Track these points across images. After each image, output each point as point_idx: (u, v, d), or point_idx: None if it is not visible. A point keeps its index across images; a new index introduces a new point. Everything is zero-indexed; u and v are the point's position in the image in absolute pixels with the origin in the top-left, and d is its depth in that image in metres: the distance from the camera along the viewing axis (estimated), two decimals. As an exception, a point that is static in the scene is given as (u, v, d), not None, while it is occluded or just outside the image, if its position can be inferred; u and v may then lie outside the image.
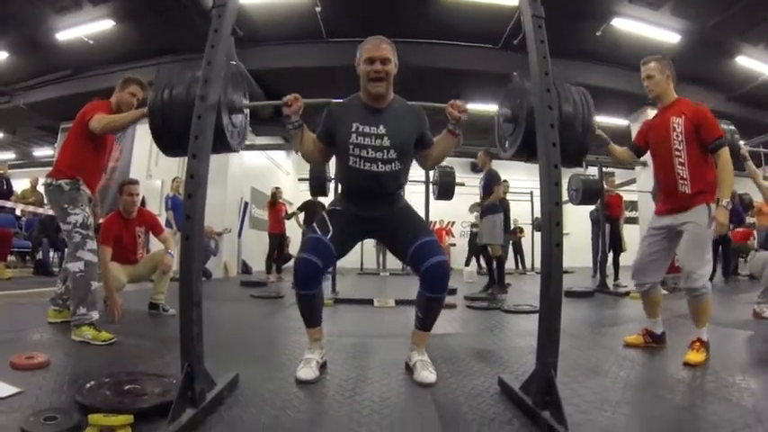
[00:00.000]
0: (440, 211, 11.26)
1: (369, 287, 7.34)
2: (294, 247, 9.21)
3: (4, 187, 7.77)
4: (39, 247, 7.75)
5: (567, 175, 3.17)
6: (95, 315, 2.80)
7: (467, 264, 9.68)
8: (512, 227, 9.63)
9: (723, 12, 6.74)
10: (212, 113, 1.78)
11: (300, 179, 10.87)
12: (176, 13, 6.65)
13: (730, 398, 1.91)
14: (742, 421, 1.63)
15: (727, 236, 6.33)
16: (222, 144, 2.08)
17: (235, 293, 6.29)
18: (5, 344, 2.54)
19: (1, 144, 13.74)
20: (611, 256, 7.07)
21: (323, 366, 2.25)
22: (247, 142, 2.48)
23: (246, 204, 10.50)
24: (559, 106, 1.98)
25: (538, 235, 6.19)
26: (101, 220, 4.03)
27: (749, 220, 8.17)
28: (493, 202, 5.80)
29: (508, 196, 7.29)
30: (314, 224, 2.26)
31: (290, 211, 8.98)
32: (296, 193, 12.59)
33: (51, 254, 7.82)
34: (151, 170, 9.06)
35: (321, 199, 7.46)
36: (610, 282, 6.54)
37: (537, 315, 1.78)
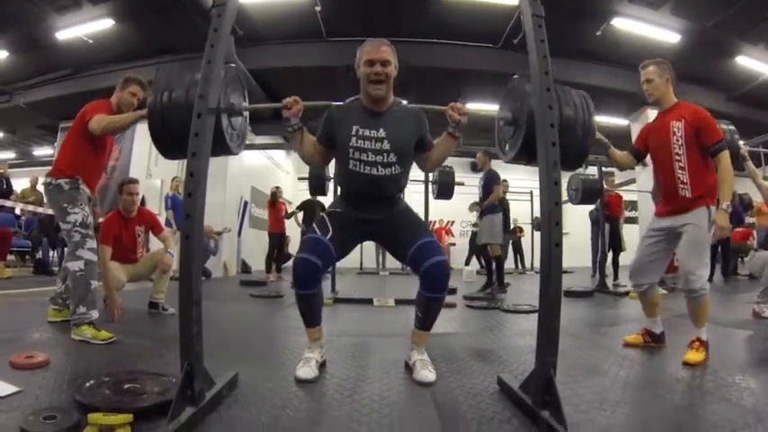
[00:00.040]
0: (439, 211, 11.25)
1: (368, 287, 7.35)
2: (294, 246, 9.20)
3: (4, 186, 7.77)
4: (38, 246, 7.76)
5: (566, 174, 3.17)
6: (95, 314, 2.80)
7: (467, 263, 9.68)
8: (511, 226, 9.64)
9: (723, 11, 6.74)
10: (212, 112, 1.78)
11: (300, 178, 10.87)
12: (176, 13, 6.64)
13: (730, 397, 1.91)
14: (741, 421, 1.63)
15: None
16: (222, 147, 2.08)
17: (234, 293, 6.29)
18: (5, 343, 2.54)
19: (1, 143, 13.73)
20: (610, 255, 7.07)
21: (322, 365, 2.25)
22: (247, 141, 2.48)
23: (246, 204, 10.50)
24: (560, 109, 1.98)
25: (537, 234, 6.19)
26: (100, 220, 4.03)
27: (749, 220, 8.17)
28: (492, 201, 5.81)
29: (508, 196, 7.29)
30: (313, 224, 2.25)
31: (289, 211, 8.99)
32: (295, 192, 12.59)
33: (51, 253, 7.81)
34: (151, 169, 9.06)
35: (320, 198, 7.48)
36: (609, 281, 6.54)
37: (536, 315, 1.78)
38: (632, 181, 10.33)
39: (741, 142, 3.47)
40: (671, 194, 2.64)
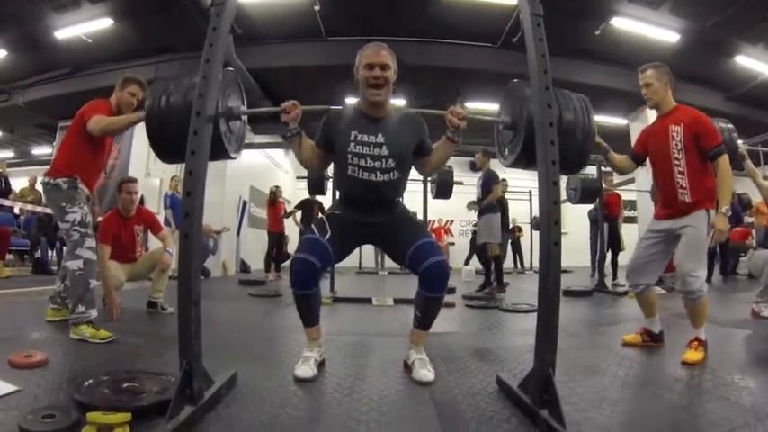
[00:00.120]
0: (438, 210, 11.24)
1: (367, 286, 7.35)
2: (293, 245, 9.21)
3: (3, 186, 7.76)
4: (37, 245, 7.75)
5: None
6: (94, 313, 2.80)
7: (466, 263, 9.69)
8: (510, 226, 9.64)
9: (722, 11, 6.75)
10: (210, 118, 1.77)
11: (299, 177, 10.86)
12: (175, 12, 6.64)
13: (728, 396, 1.91)
14: (740, 420, 1.64)
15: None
16: (220, 151, 2.07)
17: (233, 292, 6.29)
18: (4, 342, 2.54)
19: (-1, 142, 13.74)
20: (609, 255, 7.08)
21: (321, 364, 2.25)
22: (246, 141, 2.47)
23: (245, 203, 10.49)
24: (560, 113, 1.97)
25: (536, 234, 6.19)
26: (99, 219, 4.03)
27: (747, 219, 8.17)
28: (491, 201, 5.82)
29: (507, 195, 7.30)
30: (312, 226, 2.25)
31: (288, 210, 8.99)
32: (294, 191, 12.59)
33: (49, 253, 7.80)
34: (150, 168, 9.04)
35: (319, 197, 7.48)
36: (608, 281, 6.54)
37: (535, 314, 1.78)
38: (631, 181, 10.33)
39: (740, 142, 3.46)
40: (670, 199, 2.64)
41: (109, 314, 3.39)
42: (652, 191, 6.08)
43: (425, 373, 2.08)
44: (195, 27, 5.38)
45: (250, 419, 1.64)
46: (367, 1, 7.14)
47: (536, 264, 5.30)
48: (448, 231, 14.83)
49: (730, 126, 3.27)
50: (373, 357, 2.53)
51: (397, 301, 4.67)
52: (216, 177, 8.30)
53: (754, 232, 7.03)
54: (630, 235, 7.95)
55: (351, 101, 8.60)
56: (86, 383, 1.77)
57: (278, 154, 12.83)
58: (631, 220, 10.54)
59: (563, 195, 3.16)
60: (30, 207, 7.80)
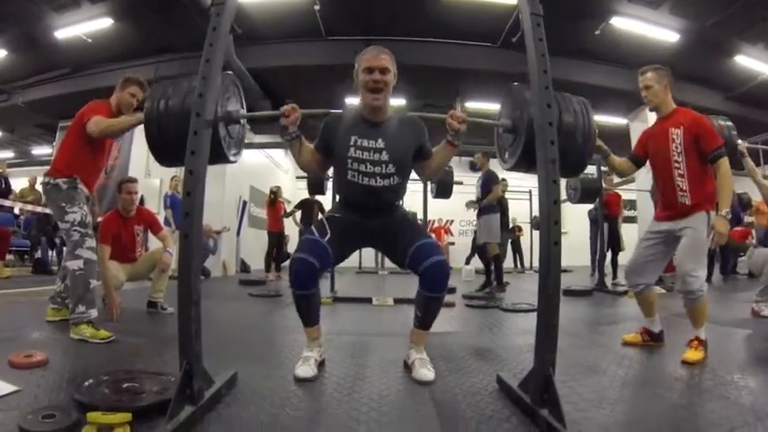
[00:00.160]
0: (438, 210, 11.24)
1: (367, 286, 7.35)
2: (293, 245, 9.21)
3: (3, 186, 7.76)
4: (37, 245, 7.75)
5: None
6: (94, 313, 2.80)
7: (467, 262, 9.68)
8: (510, 225, 9.63)
9: (722, 11, 6.75)
10: (210, 112, 1.77)
11: (299, 177, 10.86)
12: (175, 12, 6.64)
13: (728, 396, 1.91)
14: (740, 419, 1.64)
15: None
16: (219, 156, 2.06)
17: (233, 292, 6.29)
18: (4, 342, 2.54)
19: (-1, 142, 13.74)
20: (609, 254, 7.08)
21: (321, 364, 2.25)
22: (246, 141, 2.47)
23: (245, 203, 10.49)
24: (560, 116, 1.97)
25: (536, 234, 6.18)
26: (99, 219, 4.03)
27: (747, 219, 8.17)
28: (491, 201, 5.83)
29: (507, 195, 7.30)
30: (312, 227, 2.26)
31: (288, 210, 8.99)
32: (294, 191, 12.59)
33: (50, 253, 7.81)
34: (150, 168, 9.04)
35: (318, 197, 7.49)
36: (608, 280, 6.55)
37: (535, 313, 1.78)
38: (631, 180, 10.30)
39: (739, 141, 3.44)
40: (670, 201, 2.65)
41: (109, 314, 3.39)
42: (652, 191, 6.07)
43: (425, 372, 2.08)
44: (195, 27, 5.38)
45: (250, 419, 1.64)
46: (367, 1, 7.15)
47: (536, 263, 5.30)
48: (448, 231, 14.83)
49: (729, 124, 3.26)
50: (373, 357, 2.53)
51: (398, 301, 4.67)
52: (216, 177, 8.30)
53: (754, 232, 7.03)
54: (630, 235, 7.95)
55: (350, 101, 8.60)
56: (86, 383, 1.77)
57: (278, 154, 12.83)
58: (631, 219, 10.54)
59: (563, 195, 3.15)
60: (30, 207, 7.80)
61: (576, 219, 9.30)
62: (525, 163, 2.09)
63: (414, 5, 7.12)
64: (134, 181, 3.99)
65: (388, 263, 11.59)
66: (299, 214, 8.72)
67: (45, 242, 7.62)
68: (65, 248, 3.20)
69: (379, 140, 2.13)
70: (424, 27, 7.64)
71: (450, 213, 13.70)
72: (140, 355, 2.55)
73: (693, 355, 2.41)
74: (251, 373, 2.09)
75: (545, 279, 1.68)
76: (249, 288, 6.21)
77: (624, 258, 4.02)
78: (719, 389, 2.00)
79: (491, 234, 5.85)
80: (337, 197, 2.45)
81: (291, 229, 9.14)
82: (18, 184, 9.07)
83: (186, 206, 1.66)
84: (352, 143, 2.13)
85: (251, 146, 9.43)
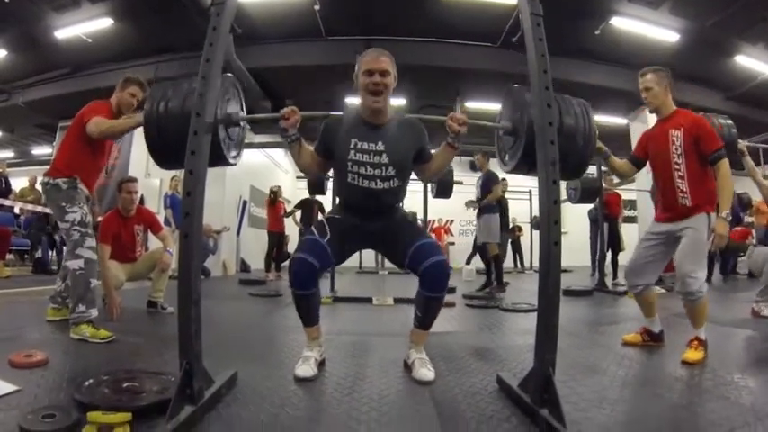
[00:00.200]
0: (438, 210, 11.24)
1: (367, 285, 7.36)
2: (293, 245, 9.21)
3: (3, 186, 7.76)
4: (38, 245, 7.75)
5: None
6: (94, 313, 2.80)
7: (468, 262, 9.68)
8: (510, 225, 9.62)
9: (722, 11, 6.75)
10: (210, 111, 1.77)
11: (299, 177, 10.86)
12: (175, 12, 6.64)
13: (728, 396, 1.91)
14: (740, 419, 1.64)
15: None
16: (219, 158, 2.06)
17: (233, 292, 6.29)
18: (4, 342, 2.54)
19: (-1, 142, 13.74)
20: (609, 254, 7.07)
21: (321, 364, 2.26)
22: (246, 141, 2.47)
23: (245, 203, 10.49)
24: (560, 118, 1.97)
25: (536, 234, 6.16)
26: (99, 219, 4.03)
27: (747, 219, 8.16)
28: (490, 201, 5.83)
29: (507, 195, 7.30)
30: (312, 227, 2.26)
31: (288, 210, 8.99)
32: (294, 191, 12.59)
33: (50, 252, 7.81)
34: (150, 168, 9.03)
35: (318, 197, 7.49)
36: (608, 280, 6.55)
37: (535, 313, 1.78)
38: (631, 180, 10.32)
39: (739, 140, 3.44)
40: (670, 203, 2.65)
41: (109, 314, 3.39)
42: (652, 190, 6.07)
43: (425, 372, 2.08)
44: (195, 27, 5.38)
45: (250, 419, 1.64)
46: (367, 1, 7.14)
47: (536, 263, 5.30)
48: (448, 231, 14.84)
49: (729, 122, 3.26)
50: (373, 357, 2.53)
51: (398, 301, 4.67)
52: (216, 177, 8.30)
53: (753, 232, 7.03)
54: (630, 235, 7.95)
55: (350, 100, 8.58)
56: (87, 383, 1.77)
57: (278, 154, 12.83)
58: (631, 219, 10.54)
59: (563, 195, 3.14)
60: (30, 207, 7.81)
61: (576, 219, 9.29)
62: (525, 165, 2.09)
63: (414, 5, 7.12)
64: (134, 181, 3.99)
65: (388, 263, 11.54)
66: (298, 214, 8.72)
67: (46, 242, 7.62)
68: (65, 248, 3.19)
69: (380, 143, 2.13)
70: (425, 27, 7.63)
71: (450, 213, 13.71)
72: (140, 354, 2.55)
73: (693, 355, 2.41)
74: (251, 373, 2.09)
75: (545, 279, 1.68)
76: (249, 288, 6.21)
77: (624, 258, 4.02)
78: (719, 389, 2.00)
79: (490, 234, 5.86)
80: (337, 199, 2.44)
81: (291, 228, 9.14)
82: (18, 183, 9.07)
83: (186, 206, 1.66)
84: (352, 146, 2.13)
85: (251, 146, 9.45)
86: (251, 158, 10.66)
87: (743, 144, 3.42)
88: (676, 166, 2.60)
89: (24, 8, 6.88)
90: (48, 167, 3.04)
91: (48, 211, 6.04)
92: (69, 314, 2.84)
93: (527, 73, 1.84)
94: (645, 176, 2.97)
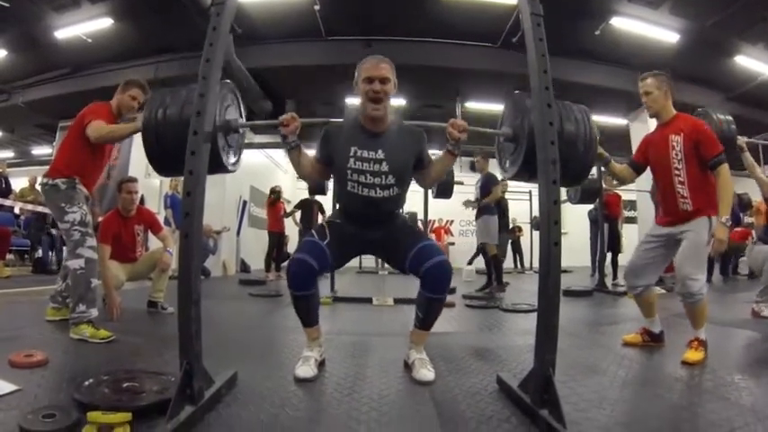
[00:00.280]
0: (438, 210, 11.25)
1: (367, 286, 7.36)
2: (293, 245, 9.22)
3: (3, 186, 7.77)
4: (38, 245, 7.75)
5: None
6: (94, 312, 2.80)
7: (470, 263, 9.67)
8: (510, 226, 9.62)
9: (722, 11, 6.75)
10: (211, 112, 1.77)
11: (299, 177, 10.87)
12: (175, 12, 6.63)
13: (728, 396, 1.91)
14: (740, 420, 1.64)
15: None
16: (218, 165, 2.05)
17: (233, 292, 6.29)
18: (4, 342, 2.54)
19: (-1, 142, 13.75)
20: (609, 255, 7.07)
21: (321, 364, 2.26)
22: (246, 141, 2.47)
23: (245, 203, 10.49)
24: (561, 125, 1.96)
25: (536, 234, 6.15)
26: (99, 219, 4.03)
27: (747, 219, 8.16)
28: (490, 202, 5.83)
29: (507, 195, 7.29)
30: (312, 230, 2.26)
31: (288, 210, 9.00)
32: (294, 191, 12.59)
33: (50, 253, 7.81)
34: (150, 168, 8.99)
35: (318, 197, 7.49)
36: (608, 281, 6.54)
37: (535, 314, 1.78)
38: (631, 180, 10.33)
39: (738, 136, 3.42)
40: (671, 208, 2.65)
41: (109, 314, 3.39)
42: (652, 191, 6.07)
43: (425, 372, 2.08)
44: (195, 27, 5.38)
45: (250, 419, 1.64)
46: (367, 1, 7.15)
47: (536, 264, 5.29)
48: (448, 231, 14.83)
49: (729, 118, 3.24)
50: (373, 357, 2.53)
51: (398, 301, 4.67)
52: (216, 177, 8.17)
53: (753, 232, 7.03)
54: (631, 235, 7.95)
55: (350, 101, 8.57)
56: (87, 383, 1.77)
57: (278, 154, 12.81)
58: (631, 220, 10.54)
59: (563, 195, 3.14)
60: (30, 207, 7.81)
61: (576, 219, 9.29)
62: (526, 172, 2.08)
63: (414, 5, 7.12)
64: (134, 181, 3.98)
65: (388, 263, 11.57)
66: (298, 214, 8.72)
67: (46, 242, 7.62)
68: (65, 248, 3.19)
69: (379, 151, 2.12)
70: (424, 27, 7.64)
71: (450, 213, 13.71)
72: (140, 354, 2.55)
73: (694, 355, 2.40)
74: (251, 373, 2.09)
75: (545, 279, 1.68)
76: (249, 288, 6.21)
77: (624, 259, 4.02)
78: (720, 389, 2.00)
79: (489, 235, 5.87)
80: (337, 205, 2.44)
81: (291, 229, 9.14)
82: (18, 183, 9.07)
83: (186, 206, 1.66)
84: (351, 154, 2.12)
85: (251, 146, 9.44)
86: (251, 159, 10.64)
87: (742, 140, 3.40)
88: (676, 172, 2.60)
89: (24, 8, 6.88)
90: (48, 168, 3.04)
91: (47, 211, 6.03)
92: (69, 314, 2.84)
93: (527, 73, 1.83)
94: (645, 177, 2.96)
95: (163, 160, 2.07)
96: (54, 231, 7.49)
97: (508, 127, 2.20)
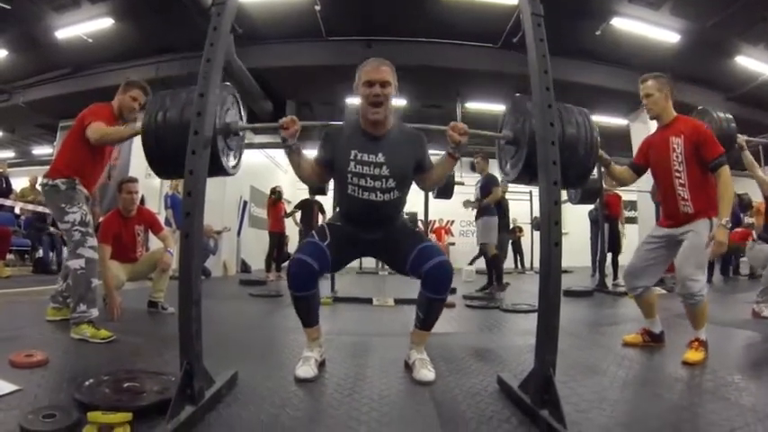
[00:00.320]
0: (439, 210, 11.25)
1: (368, 286, 7.37)
2: (293, 245, 9.22)
3: (3, 185, 7.76)
4: (39, 245, 7.75)
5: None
6: (95, 312, 2.80)
7: (471, 263, 9.68)
8: (511, 226, 9.62)
9: (722, 11, 6.75)
10: (212, 112, 1.77)
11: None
12: (175, 12, 6.64)
13: (729, 397, 1.91)
14: (740, 420, 1.63)
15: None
16: (218, 168, 2.05)
17: (234, 292, 6.29)
18: (4, 342, 2.54)
19: (0, 142, 13.73)
20: (610, 255, 7.07)
21: (322, 365, 2.26)
22: (246, 141, 2.46)
23: (246, 203, 10.49)
24: (563, 128, 1.96)
25: (537, 234, 6.16)
26: (100, 219, 4.03)
27: (748, 220, 8.15)
28: (490, 203, 5.83)
29: (507, 196, 7.29)
30: (312, 231, 2.26)
31: (288, 210, 9.00)
32: (294, 191, 12.58)
33: (50, 253, 7.81)
34: (150, 169, 9.03)
35: (319, 198, 7.49)
36: (609, 281, 6.54)
37: (536, 314, 1.78)
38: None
39: (738, 134, 3.41)
40: (672, 210, 2.65)
41: (109, 314, 3.39)
42: (652, 191, 6.06)
43: (426, 373, 2.08)
44: (196, 27, 5.38)
45: (250, 419, 1.64)
46: (367, 1, 7.15)
47: (536, 264, 5.30)
48: (448, 232, 14.82)
49: (729, 116, 3.23)
50: (374, 357, 2.53)
51: (398, 302, 4.67)
52: (216, 178, 8.29)
53: (754, 233, 7.02)
54: (631, 235, 7.94)
55: (351, 101, 8.56)
56: (87, 383, 1.77)
57: (278, 154, 12.81)
58: (632, 220, 10.54)
59: (563, 196, 3.14)
60: (30, 207, 7.81)
61: (576, 219, 9.29)
62: (527, 175, 2.09)
63: (414, 5, 7.13)
64: (134, 181, 3.99)
65: (388, 263, 11.56)
66: (299, 215, 8.72)
67: (46, 242, 7.62)
68: (65, 248, 3.19)
69: (380, 155, 2.12)
70: (425, 27, 7.64)
71: (450, 214, 13.70)
72: (141, 354, 2.55)
73: (694, 355, 2.40)
74: (251, 373, 2.09)
75: (545, 280, 1.68)
76: (249, 288, 6.22)
77: (624, 259, 4.02)
78: (720, 390, 2.00)
79: (488, 236, 5.88)
80: (337, 208, 2.44)
81: (292, 229, 9.13)
82: (18, 183, 9.07)
83: (187, 206, 1.66)
84: (352, 157, 2.12)
85: (251, 146, 9.46)
86: (251, 159, 10.64)
87: (742, 138, 3.39)
88: (677, 174, 2.59)
89: (24, 8, 6.89)
90: (48, 168, 3.04)
91: (48, 211, 6.03)
92: (70, 314, 2.83)
93: (527, 74, 1.83)
94: (646, 177, 2.95)
95: (163, 163, 2.08)
96: (53, 230, 7.49)
97: (509, 130, 2.20)
